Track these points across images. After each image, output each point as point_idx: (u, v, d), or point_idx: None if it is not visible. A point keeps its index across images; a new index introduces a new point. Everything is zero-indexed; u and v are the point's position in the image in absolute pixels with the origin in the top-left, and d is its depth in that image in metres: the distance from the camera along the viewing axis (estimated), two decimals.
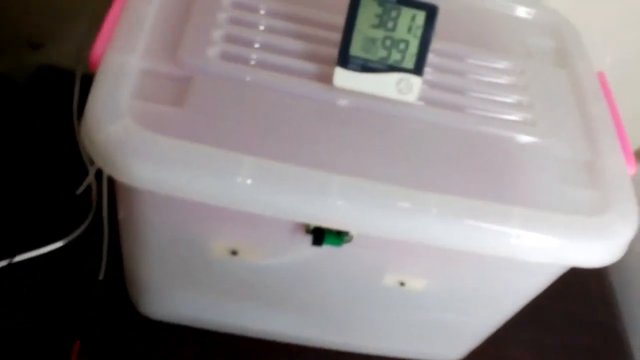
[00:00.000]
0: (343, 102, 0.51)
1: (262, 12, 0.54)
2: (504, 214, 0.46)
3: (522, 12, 0.65)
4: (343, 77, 0.50)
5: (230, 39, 0.52)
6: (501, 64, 0.58)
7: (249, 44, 0.52)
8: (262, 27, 0.53)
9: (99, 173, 0.62)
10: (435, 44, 0.51)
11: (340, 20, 0.50)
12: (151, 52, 0.49)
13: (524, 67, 0.58)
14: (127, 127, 0.43)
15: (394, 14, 0.50)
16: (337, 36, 0.50)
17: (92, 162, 0.68)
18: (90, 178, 0.66)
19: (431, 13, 0.50)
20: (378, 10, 0.50)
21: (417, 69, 0.51)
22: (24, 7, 0.78)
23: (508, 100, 0.55)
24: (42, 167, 0.73)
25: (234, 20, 0.53)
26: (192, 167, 0.43)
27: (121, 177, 0.43)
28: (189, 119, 0.46)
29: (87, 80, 0.66)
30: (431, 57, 0.50)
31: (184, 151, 0.43)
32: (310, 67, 0.52)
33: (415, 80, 0.51)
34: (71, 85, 0.77)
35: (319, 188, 0.44)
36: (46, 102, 0.79)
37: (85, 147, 0.44)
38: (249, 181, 0.43)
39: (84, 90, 0.73)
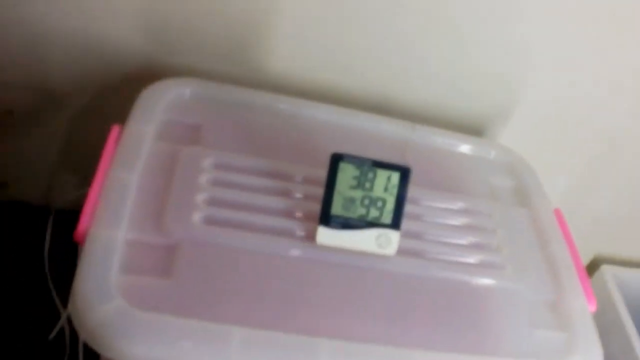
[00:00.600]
0: (326, 259, 0.52)
1: (243, 170, 0.57)
2: None
3: (481, 151, 0.69)
4: (325, 236, 0.52)
5: (213, 202, 0.53)
6: (469, 207, 0.61)
7: (232, 205, 0.53)
8: (244, 187, 0.55)
9: None
10: None
11: (317, 172, 0.53)
12: (136, 223, 0.50)
13: (490, 208, 0.62)
14: (117, 308, 0.44)
15: (370, 175, 0.53)
16: (315, 190, 0.53)
17: (64, 305, 0.67)
18: (63, 321, 0.65)
19: (405, 173, 0.54)
20: (356, 172, 0.53)
21: (395, 224, 0.53)
22: None
23: (479, 244, 0.58)
24: (10, 309, 0.71)
25: (216, 182, 0.55)
26: (184, 344, 0.43)
27: (114, 357, 0.43)
28: (178, 291, 0.47)
29: (57, 216, 0.65)
30: None
31: (175, 328, 0.44)
32: (292, 225, 0.54)
33: (393, 235, 0.53)
34: (37, 221, 0.76)
35: (307, 356, 0.45)
36: (12, 238, 0.78)
37: (75, 325, 0.44)
38: (238, 353, 0.44)
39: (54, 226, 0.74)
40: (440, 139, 0.68)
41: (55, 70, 0.70)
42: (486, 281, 0.55)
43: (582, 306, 0.56)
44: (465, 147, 0.69)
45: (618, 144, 0.80)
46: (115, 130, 0.56)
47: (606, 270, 0.91)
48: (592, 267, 0.96)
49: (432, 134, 0.68)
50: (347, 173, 0.53)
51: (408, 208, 0.56)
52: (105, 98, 0.72)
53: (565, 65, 0.73)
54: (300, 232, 0.53)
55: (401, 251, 0.54)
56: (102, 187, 0.51)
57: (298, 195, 0.56)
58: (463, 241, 0.58)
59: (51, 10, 0.65)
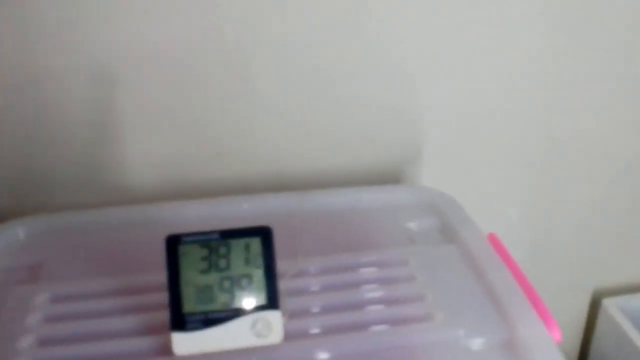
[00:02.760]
0: None
1: (86, 296, 0.46)
2: None
3: (392, 198, 0.59)
4: (183, 343, 0.41)
5: (44, 342, 0.42)
6: (374, 262, 0.50)
7: (70, 340, 0.42)
8: (87, 314, 0.44)
9: None
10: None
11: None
12: None
13: (405, 255, 0.50)
14: None
15: (222, 250, 0.42)
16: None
17: None
18: None
19: (266, 235, 0.43)
20: (203, 252, 0.42)
21: (272, 303, 0.42)
22: None
23: (392, 300, 0.46)
24: None
25: (50, 318, 0.44)
26: None
27: None
28: None
29: None
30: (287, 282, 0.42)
31: None
32: (146, 342, 0.42)
33: (273, 317, 0.42)
34: None
35: None
36: None
37: None
38: None
39: None
40: (338, 200, 0.58)
41: None
42: (411, 340, 0.42)
43: (542, 337, 0.42)
44: (371, 198, 0.58)
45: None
46: None
47: (609, 304, 0.77)
48: (594, 305, 0.82)
49: (326, 196, 0.58)
50: (191, 255, 0.42)
51: (299, 283, 0.46)
52: None
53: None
54: (156, 348, 0.41)
55: (292, 335, 0.42)
56: None
57: (149, 306, 0.45)
58: (371, 303, 0.46)
59: None
